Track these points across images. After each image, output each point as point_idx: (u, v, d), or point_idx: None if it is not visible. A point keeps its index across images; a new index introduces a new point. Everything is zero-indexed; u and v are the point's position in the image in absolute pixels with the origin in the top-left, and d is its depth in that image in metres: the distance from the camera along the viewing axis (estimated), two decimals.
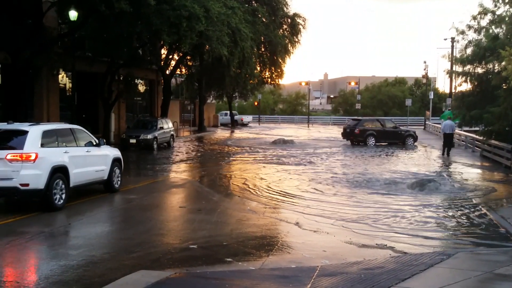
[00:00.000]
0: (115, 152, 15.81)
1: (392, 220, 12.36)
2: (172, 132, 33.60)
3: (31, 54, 23.55)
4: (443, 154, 28.64)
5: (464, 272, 7.94)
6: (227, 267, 8.58)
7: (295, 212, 13.15)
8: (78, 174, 13.49)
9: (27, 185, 11.90)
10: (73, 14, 24.39)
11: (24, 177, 11.88)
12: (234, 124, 60.61)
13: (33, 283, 7.67)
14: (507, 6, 24.76)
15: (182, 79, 52.19)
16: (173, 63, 41.04)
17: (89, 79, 34.22)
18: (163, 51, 38.76)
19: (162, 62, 38.73)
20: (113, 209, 13.84)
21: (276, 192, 16.13)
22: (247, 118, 69.16)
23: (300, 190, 16.61)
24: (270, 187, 17.02)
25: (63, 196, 12.77)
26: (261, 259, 9.11)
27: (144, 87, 45.20)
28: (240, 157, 27.05)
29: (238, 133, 49.90)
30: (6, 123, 13.20)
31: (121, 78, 34.47)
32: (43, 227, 11.13)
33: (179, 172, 21.22)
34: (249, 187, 16.99)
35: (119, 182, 15.71)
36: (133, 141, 29.39)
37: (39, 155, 12.13)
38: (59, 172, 12.65)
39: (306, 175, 19.99)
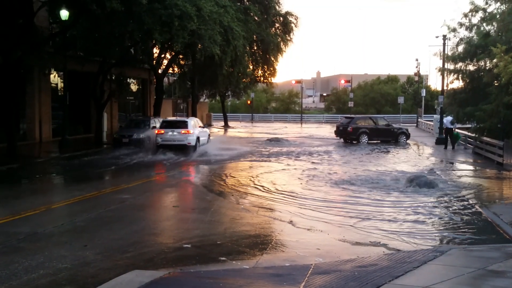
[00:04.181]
0: (209, 131, 32.02)
1: (385, 217, 12.39)
2: None
3: (22, 54, 23.43)
4: (445, 147, 30.57)
5: (457, 269, 7.96)
6: (221, 266, 8.57)
7: (289, 211, 13.16)
8: (201, 140, 28.26)
9: (190, 143, 26.65)
10: (64, 14, 24.30)
11: (189, 140, 26.71)
12: (227, 123, 60.45)
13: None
14: (498, 4, 24.85)
15: (175, 78, 52.03)
16: (165, 62, 40.84)
17: (81, 78, 34.09)
18: (155, 50, 38.58)
19: (154, 61, 38.54)
20: (106, 209, 13.76)
21: (269, 191, 16.13)
22: None
23: (294, 188, 16.60)
24: (263, 186, 17.02)
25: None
26: (255, 258, 9.11)
27: (137, 87, 45.09)
28: (233, 155, 26.99)
29: (231, 132, 49.84)
30: (175, 118, 30.84)
31: (113, 77, 34.34)
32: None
33: (172, 171, 21.18)
34: (242, 186, 16.99)
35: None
36: (125, 140, 29.25)
37: (193, 131, 27.13)
38: (197, 138, 27.50)
39: (300, 174, 20.01)
